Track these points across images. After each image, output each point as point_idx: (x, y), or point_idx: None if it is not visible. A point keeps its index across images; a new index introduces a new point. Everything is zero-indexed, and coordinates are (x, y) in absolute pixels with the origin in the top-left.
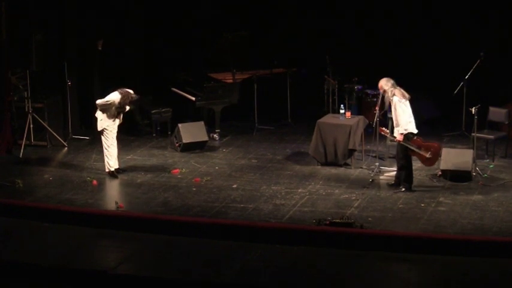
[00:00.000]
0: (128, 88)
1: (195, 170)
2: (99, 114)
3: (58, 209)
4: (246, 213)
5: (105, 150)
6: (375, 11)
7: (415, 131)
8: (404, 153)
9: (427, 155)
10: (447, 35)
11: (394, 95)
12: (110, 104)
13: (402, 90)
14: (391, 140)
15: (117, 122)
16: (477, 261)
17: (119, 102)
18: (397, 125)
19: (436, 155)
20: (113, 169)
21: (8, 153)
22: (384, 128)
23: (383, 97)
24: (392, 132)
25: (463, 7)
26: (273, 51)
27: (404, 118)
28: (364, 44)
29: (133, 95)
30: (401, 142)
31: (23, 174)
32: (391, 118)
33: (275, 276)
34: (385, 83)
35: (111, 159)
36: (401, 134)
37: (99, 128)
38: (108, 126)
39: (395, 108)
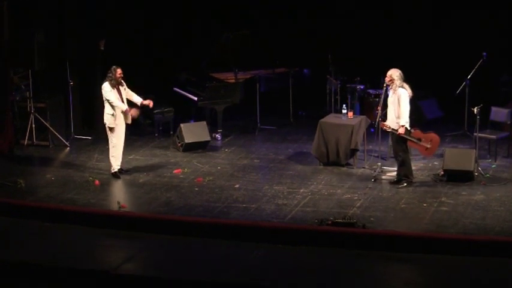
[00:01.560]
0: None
1: (197, 170)
2: (106, 108)
3: (60, 209)
4: (248, 213)
5: (110, 149)
6: (377, 10)
7: (409, 129)
8: (402, 147)
9: (427, 146)
10: (449, 34)
11: (402, 87)
12: (114, 94)
13: (409, 88)
14: (392, 133)
15: (125, 120)
16: (479, 261)
17: (111, 80)
18: (399, 117)
19: (436, 145)
20: (116, 170)
21: (9, 153)
22: (385, 123)
23: (385, 97)
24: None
25: (465, 7)
26: (275, 50)
27: (407, 111)
28: (366, 44)
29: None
30: (402, 134)
31: (25, 174)
32: (386, 111)
33: (277, 276)
34: (394, 73)
35: (115, 160)
36: (403, 126)
37: (106, 122)
38: (111, 123)
39: (400, 100)
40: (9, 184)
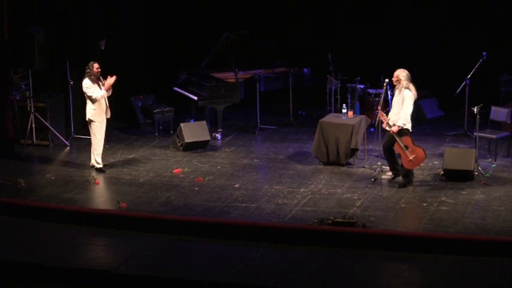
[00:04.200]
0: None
1: (197, 170)
2: (89, 104)
3: (60, 209)
4: (248, 212)
5: (95, 145)
6: (377, 10)
7: (410, 130)
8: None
9: (410, 158)
10: (450, 34)
11: (408, 88)
12: (93, 89)
13: (414, 89)
14: (388, 127)
15: (106, 113)
16: (479, 261)
17: (90, 76)
18: (398, 117)
19: (418, 161)
20: (101, 165)
21: (10, 152)
22: (384, 114)
23: (385, 97)
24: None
25: (465, 6)
26: (275, 50)
27: (408, 113)
28: (366, 44)
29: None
30: (394, 133)
31: (25, 174)
32: (389, 110)
33: (276, 276)
34: (401, 73)
35: (99, 155)
36: (399, 126)
37: (89, 117)
38: (96, 118)
39: (404, 101)
40: (10, 184)
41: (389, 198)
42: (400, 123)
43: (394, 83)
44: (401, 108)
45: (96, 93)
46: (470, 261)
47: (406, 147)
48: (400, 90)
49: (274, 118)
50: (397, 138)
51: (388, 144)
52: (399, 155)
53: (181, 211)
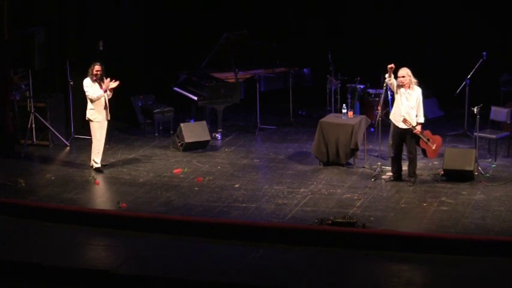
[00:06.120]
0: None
1: (197, 170)
2: (88, 104)
3: (60, 209)
4: (248, 212)
5: (94, 144)
6: (377, 10)
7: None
8: (415, 145)
9: (433, 147)
10: (450, 34)
11: (418, 85)
12: (90, 87)
13: None
14: (406, 130)
15: (106, 115)
16: (479, 261)
17: (91, 76)
18: (408, 111)
19: (438, 148)
20: (99, 165)
21: (10, 152)
22: (407, 120)
23: (385, 97)
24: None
25: (466, 6)
26: (276, 50)
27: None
28: (366, 44)
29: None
30: (419, 132)
31: (25, 174)
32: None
33: (276, 276)
34: (408, 71)
35: (98, 155)
36: (420, 123)
37: (88, 117)
38: (95, 118)
39: (419, 98)
40: (10, 184)
41: (390, 198)
42: (421, 120)
43: (407, 82)
44: (418, 105)
45: (93, 93)
46: (470, 261)
47: (429, 139)
48: (412, 87)
49: (274, 118)
50: (420, 136)
51: (398, 151)
52: (423, 150)
53: (181, 211)
